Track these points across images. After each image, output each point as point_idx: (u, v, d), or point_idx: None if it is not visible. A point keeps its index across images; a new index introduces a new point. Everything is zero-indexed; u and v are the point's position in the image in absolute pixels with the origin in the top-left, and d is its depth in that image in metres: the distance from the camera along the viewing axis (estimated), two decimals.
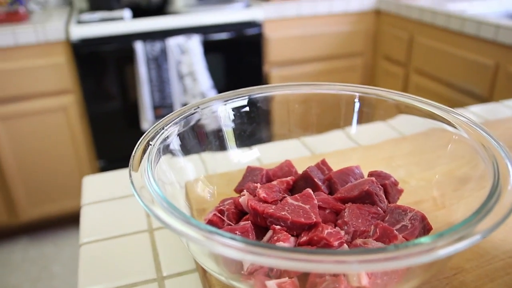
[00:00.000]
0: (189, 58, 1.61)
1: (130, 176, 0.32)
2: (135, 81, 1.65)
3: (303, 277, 0.32)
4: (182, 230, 0.27)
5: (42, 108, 1.63)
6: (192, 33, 1.65)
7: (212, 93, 1.68)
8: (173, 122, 0.40)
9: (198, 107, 0.43)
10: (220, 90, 1.73)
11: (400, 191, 0.40)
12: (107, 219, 0.52)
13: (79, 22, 1.61)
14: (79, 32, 1.56)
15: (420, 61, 1.74)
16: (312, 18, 1.85)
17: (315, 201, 0.36)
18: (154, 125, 0.39)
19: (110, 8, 1.72)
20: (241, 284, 0.32)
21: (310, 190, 0.37)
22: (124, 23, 1.61)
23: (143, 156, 0.35)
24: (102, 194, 0.57)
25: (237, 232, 0.34)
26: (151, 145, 0.36)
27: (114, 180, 0.61)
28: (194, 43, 1.63)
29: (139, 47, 1.59)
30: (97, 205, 0.55)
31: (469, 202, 0.45)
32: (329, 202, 0.37)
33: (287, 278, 0.31)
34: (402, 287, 0.33)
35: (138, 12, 1.74)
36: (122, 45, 1.61)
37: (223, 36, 1.72)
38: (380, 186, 0.39)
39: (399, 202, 0.45)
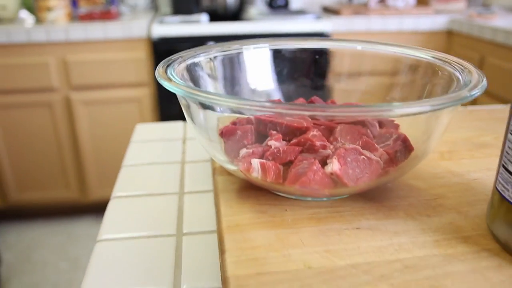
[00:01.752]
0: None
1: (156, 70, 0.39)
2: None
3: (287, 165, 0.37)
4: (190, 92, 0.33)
5: (121, 97, 1.79)
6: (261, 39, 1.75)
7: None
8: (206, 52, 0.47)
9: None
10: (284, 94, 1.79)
11: (396, 126, 0.44)
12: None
13: (162, 22, 1.76)
14: (159, 31, 1.70)
15: (491, 83, 1.70)
16: (381, 33, 1.88)
17: None
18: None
19: (190, 12, 1.87)
20: (235, 166, 0.38)
21: (303, 99, 0.43)
22: (200, 26, 1.75)
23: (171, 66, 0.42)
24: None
25: (238, 131, 0.40)
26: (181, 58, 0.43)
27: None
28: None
29: None
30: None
31: (481, 162, 0.47)
32: (325, 122, 0.42)
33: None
34: (375, 182, 0.37)
35: (215, 17, 1.87)
36: (197, 45, 1.74)
37: None
38: (376, 120, 0.43)
39: None
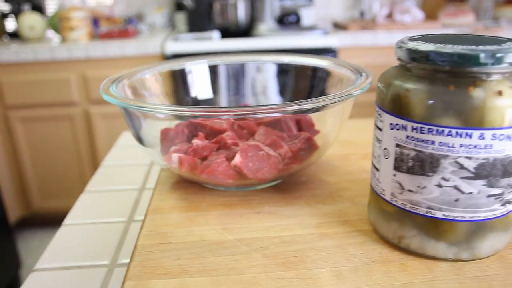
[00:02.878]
0: (263, 77, 1.78)
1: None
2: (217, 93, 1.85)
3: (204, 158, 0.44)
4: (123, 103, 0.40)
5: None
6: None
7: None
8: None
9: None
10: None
11: (316, 132, 0.49)
12: None
13: (176, 40, 1.87)
14: (173, 48, 1.81)
15: None
16: (388, 48, 1.92)
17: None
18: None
19: (204, 29, 1.96)
20: (164, 162, 0.45)
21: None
22: (212, 42, 1.84)
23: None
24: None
25: (171, 132, 0.47)
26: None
27: None
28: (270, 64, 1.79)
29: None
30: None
31: None
32: (248, 124, 0.48)
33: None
34: (273, 175, 0.43)
35: (227, 34, 1.96)
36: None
37: None
38: (294, 121, 0.49)
39: (330, 153, 0.54)
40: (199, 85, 0.59)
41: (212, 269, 0.34)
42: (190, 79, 0.59)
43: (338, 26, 2.15)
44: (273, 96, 0.63)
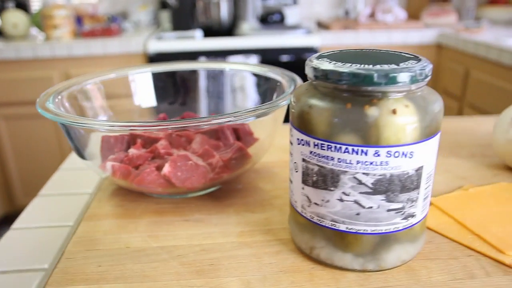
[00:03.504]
0: (242, 75, 1.78)
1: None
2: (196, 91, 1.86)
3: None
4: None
5: (117, 106, 1.90)
6: (251, 54, 1.83)
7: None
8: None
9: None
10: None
11: (255, 139, 0.50)
12: None
13: (159, 38, 1.87)
14: (155, 46, 1.81)
15: (474, 96, 1.73)
16: (370, 47, 1.93)
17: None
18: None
19: (188, 28, 1.97)
20: (100, 170, 0.46)
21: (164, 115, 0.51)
22: (194, 41, 1.84)
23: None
24: None
25: (111, 140, 0.48)
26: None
27: None
28: (252, 62, 1.80)
29: None
30: None
31: None
32: (186, 133, 0.49)
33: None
34: (203, 184, 0.44)
35: (210, 33, 1.96)
36: (190, 60, 1.84)
37: (282, 58, 1.87)
38: (231, 130, 0.50)
39: (272, 159, 0.55)
40: (143, 93, 0.60)
41: (129, 276, 0.36)
42: (134, 87, 0.59)
43: (322, 25, 2.16)
44: (228, 103, 0.64)
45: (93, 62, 1.83)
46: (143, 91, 0.60)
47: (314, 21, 2.36)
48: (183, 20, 2.01)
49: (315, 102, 0.32)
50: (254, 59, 1.82)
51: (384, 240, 0.34)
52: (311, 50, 1.87)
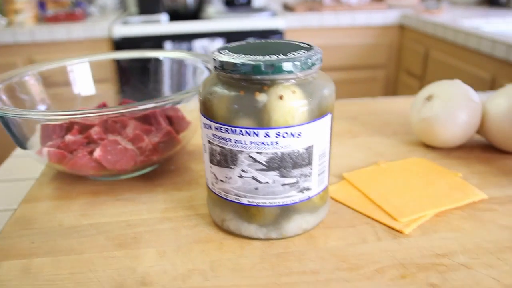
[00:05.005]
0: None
1: None
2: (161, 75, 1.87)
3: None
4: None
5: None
6: (217, 37, 1.85)
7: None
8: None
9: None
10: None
11: (188, 123, 0.54)
12: None
13: (124, 23, 1.87)
14: (120, 31, 1.82)
15: (434, 75, 1.78)
16: (335, 29, 1.97)
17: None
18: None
19: (154, 12, 1.98)
20: (38, 157, 0.49)
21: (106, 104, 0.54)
22: (160, 25, 1.85)
23: None
24: None
25: (49, 127, 0.51)
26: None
27: None
28: (217, 46, 1.82)
29: (168, 46, 1.81)
30: None
31: None
32: (121, 119, 0.53)
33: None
34: (133, 166, 0.48)
35: (176, 17, 1.98)
36: (155, 44, 1.85)
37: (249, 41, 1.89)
38: (164, 116, 0.53)
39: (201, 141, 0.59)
40: (82, 82, 0.63)
41: (58, 250, 0.39)
42: (72, 77, 0.62)
43: (287, 8, 2.18)
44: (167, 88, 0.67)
45: (57, 47, 1.83)
46: (82, 80, 0.63)
47: (280, 3, 2.38)
48: (149, 4, 2.01)
49: (215, 89, 0.36)
50: (219, 42, 1.84)
51: (284, 211, 0.38)
52: (276, 33, 1.90)
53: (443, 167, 0.51)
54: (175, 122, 0.53)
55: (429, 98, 0.55)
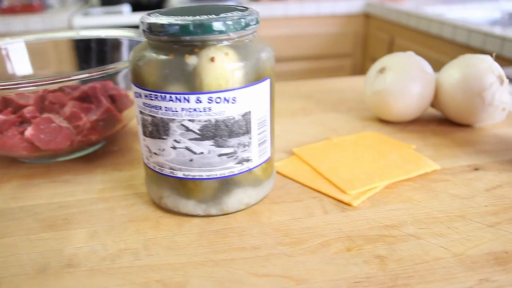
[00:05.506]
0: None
1: None
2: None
3: None
4: None
5: None
6: None
7: None
8: None
9: None
10: None
11: (132, 101, 0.51)
12: None
13: (85, 14, 1.82)
14: (81, 23, 1.76)
15: None
16: (300, 18, 1.95)
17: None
18: None
19: (116, 3, 1.92)
20: None
21: None
22: (122, 16, 1.80)
23: None
24: None
25: None
26: None
27: None
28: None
29: None
30: None
31: None
32: (60, 97, 0.49)
33: None
34: (68, 147, 0.45)
35: (138, 8, 1.93)
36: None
37: None
38: (107, 95, 0.50)
39: None
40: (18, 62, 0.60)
41: None
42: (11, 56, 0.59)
43: None
44: None
45: None
46: (17, 60, 0.59)
47: None
48: None
49: (144, 54, 0.33)
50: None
51: (223, 185, 0.36)
52: None
53: (396, 140, 0.50)
54: (117, 100, 0.50)
55: (381, 70, 0.53)
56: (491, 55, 0.54)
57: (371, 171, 0.43)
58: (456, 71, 0.52)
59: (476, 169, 0.45)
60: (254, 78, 0.34)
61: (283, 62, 2.01)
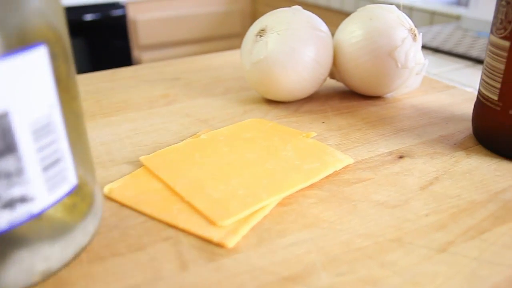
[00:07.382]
0: None
1: None
2: None
3: None
4: None
5: None
6: None
7: None
8: None
9: None
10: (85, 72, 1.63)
11: None
12: None
13: None
14: None
15: None
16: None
17: None
18: None
19: None
20: None
21: None
22: None
23: None
24: None
25: None
26: None
27: None
28: None
29: None
30: None
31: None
32: None
33: None
34: None
35: None
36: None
37: (86, 17, 1.62)
38: None
39: None
40: None
41: None
42: None
43: None
44: None
45: None
46: None
47: None
48: None
49: None
50: None
51: None
52: (117, 6, 1.65)
53: (290, 128, 0.36)
54: None
55: (261, 33, 0.38)
56: (397, 6, 0.42)
57: (255, 180, 0.28)
58: (357, 26, 0.39)
59: (400, 157, 0.32)
60: (11, 44, 0.16)
61: (167, 48, 1.83)
